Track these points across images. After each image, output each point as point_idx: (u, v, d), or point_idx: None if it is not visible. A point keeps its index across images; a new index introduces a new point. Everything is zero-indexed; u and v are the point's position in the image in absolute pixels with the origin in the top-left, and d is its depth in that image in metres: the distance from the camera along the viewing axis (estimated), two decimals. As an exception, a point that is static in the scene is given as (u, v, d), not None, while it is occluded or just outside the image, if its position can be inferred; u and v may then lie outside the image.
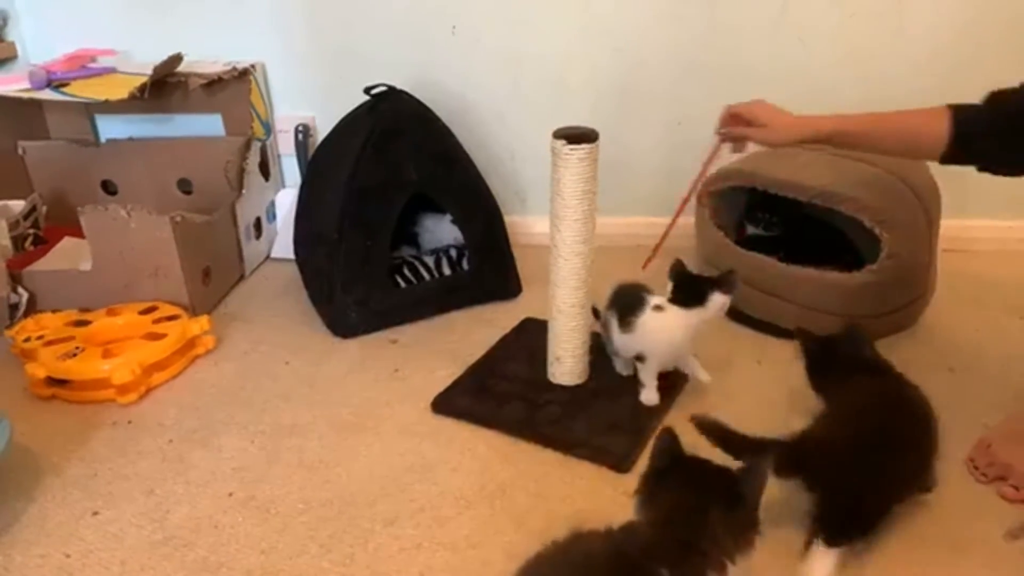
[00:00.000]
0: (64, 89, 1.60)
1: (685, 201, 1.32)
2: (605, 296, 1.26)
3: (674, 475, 0.76)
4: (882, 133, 1.13)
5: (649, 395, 1.21)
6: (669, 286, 1.17)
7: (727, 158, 1.30)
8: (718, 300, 1.14)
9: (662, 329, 1.16)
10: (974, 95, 1.63)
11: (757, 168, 1.45)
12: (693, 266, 1.24)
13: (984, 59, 1.63)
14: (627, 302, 1.20)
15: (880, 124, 1.12)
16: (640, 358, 1.21)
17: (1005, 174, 1.07)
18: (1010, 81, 1.66)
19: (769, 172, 1.43)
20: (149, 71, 1.60)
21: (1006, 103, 1.04)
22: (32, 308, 1.50)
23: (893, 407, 1.00)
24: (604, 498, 1.03)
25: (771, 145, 1.20)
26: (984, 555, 0.92)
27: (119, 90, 1.55)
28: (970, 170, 1.06)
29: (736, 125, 1.20)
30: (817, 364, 1.13)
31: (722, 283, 1.15)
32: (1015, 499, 1.00)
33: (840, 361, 1.10)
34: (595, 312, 1.28)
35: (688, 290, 1.15)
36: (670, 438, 0.77)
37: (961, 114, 1.05)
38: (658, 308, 1.16)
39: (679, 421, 1.18)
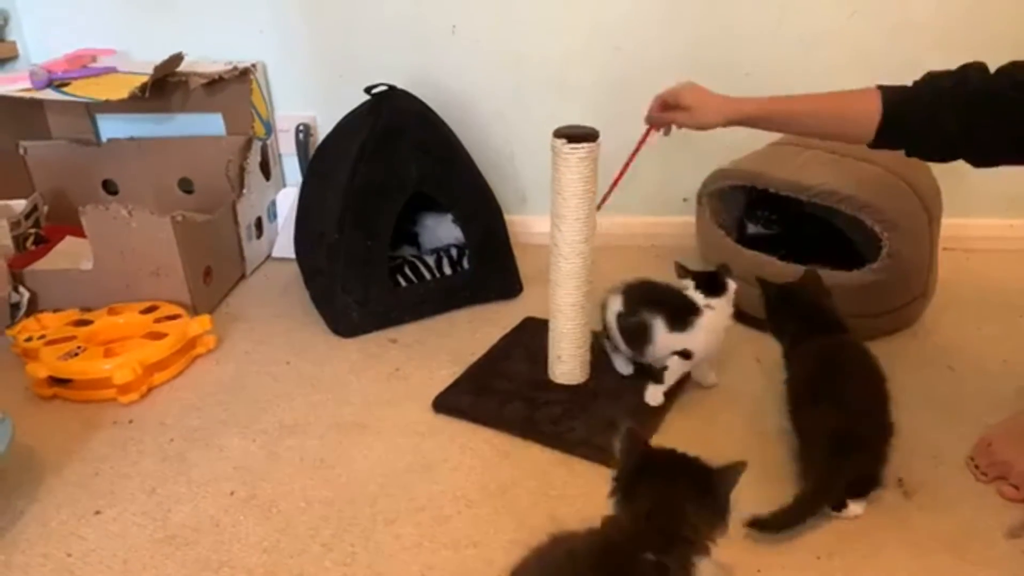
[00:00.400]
0: (65, 89, 1.60)
1: (615, 181, 1.30)
2: (609, 297, 1.25)
3: (647, 470, 0.77)
4: (810, 115, 1.12)
5: (658, 395, 1.21)
6: (689, 283, 1.19)
7: (661, 143, 1.29)
8: (732, 285, 1.19)
9: (718, 323, 1.18)
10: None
11: (757, 167, 1.46)
12: (692, 264, 1.24)
13: (985, 57, 1.63)
14: (674, 302, 1.19)
15: (808, 105, 1.11)
16: (685, 355, 1.19)
17: (936, 159, 1.07)
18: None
19: (770, 171, 1.43)
20: (150, 71, 1.60)
21: (938, 81, 1.02)
22: (33, 307, 1.50)
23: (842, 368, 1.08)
24: (604, 497, 1.03)
25: (698, 128, 1.17)
26: (985, 554, 0.92)
27: (120, 90, 1.55)
28: (970, 169, 1.06)
29: (664, 111, 1.20)
30: (777, 311, 1.20)
31: (725, 271, 1.20)
32: (1015, 498, 1.00)
33: (798, 308, 1.17)
34: (623, 321, 1.23)
35: (709, 283, 1.19)
36: (635, 436, 0.79)
37: (891, 94, 1.04)
38: (708, 306, 1.17)
39: (679, 421, 1.19)
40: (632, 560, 0.69)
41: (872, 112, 1.03)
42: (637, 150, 1.28)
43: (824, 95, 1.10)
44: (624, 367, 1.28)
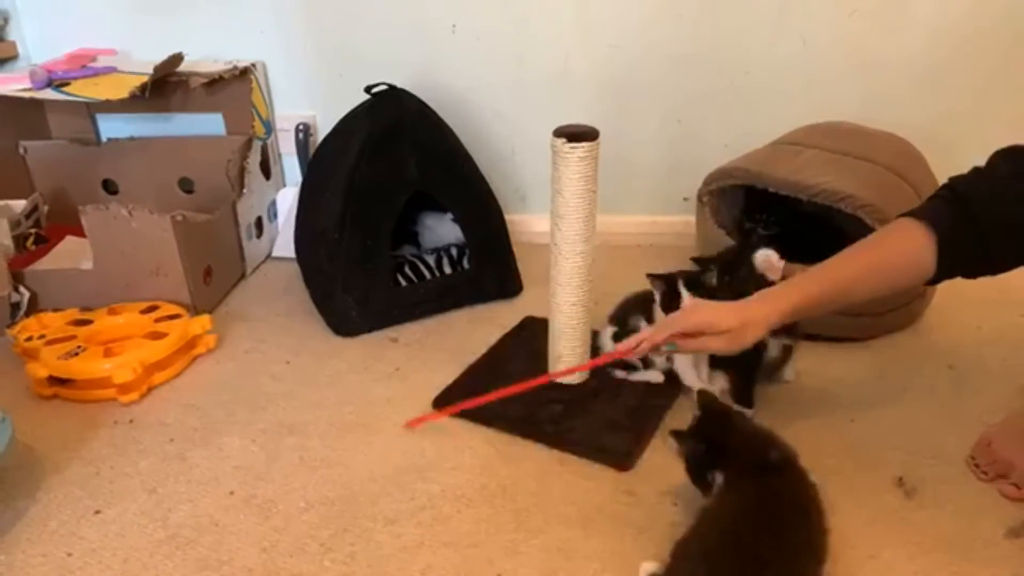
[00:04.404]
0: (65, 88, 1.60)
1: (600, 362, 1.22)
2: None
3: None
4: (861, 281, 0.97)
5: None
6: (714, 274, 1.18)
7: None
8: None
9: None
10: (974, 93, 1.65)
11: (757, 166, 1.45)
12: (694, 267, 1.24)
13: (985, 55, 1.63)
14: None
15: (853, 270, 0.96)
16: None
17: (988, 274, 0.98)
18: (1010, 80, 1.67)
19: (770, 170, 1.42)
20: (150, 70, 1.60)
21: (981, 213, 0.92)
22: (33, 307, 1.50)
23: None
24: (605, 497, 1.03)
25: (743, 348, 0.98)
26: (986, 553, 0.92)
27: (120, 89, 1.55)
28: (972, 167, 1.04)
29: (687, 340, 1.01)
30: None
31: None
32: (1016, 497, 1.00)
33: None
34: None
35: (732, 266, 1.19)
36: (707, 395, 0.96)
37: (935, 222, 0.93)
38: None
39: (678, 421, 1.19)
40: None
41: (922, 249, 0.93)
42: (615, 358, 1.16)
43: (863, 250, 0.97)
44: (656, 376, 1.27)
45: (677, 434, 0.95)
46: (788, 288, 0.98)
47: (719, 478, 0.89)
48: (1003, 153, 0.97)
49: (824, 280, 0.97)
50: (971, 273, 0.98)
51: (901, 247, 0.96)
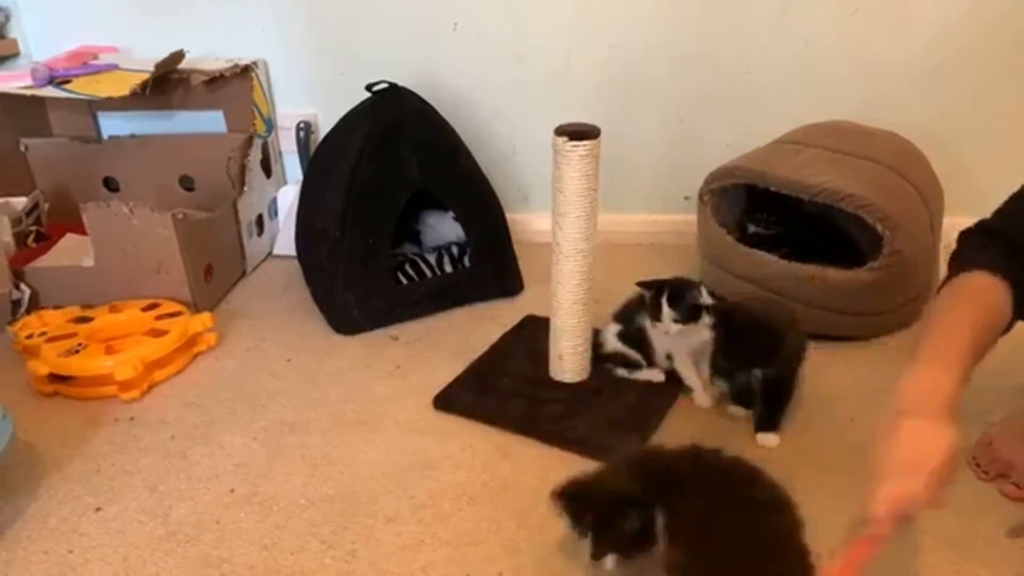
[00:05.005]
0: (66, 86, 1.60)
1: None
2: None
3: None
4: (980, 343, 0.90)
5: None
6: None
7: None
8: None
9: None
10: (975, 93, 1.65)
11: (759, 165, 1.45)
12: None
13: (986, 56, 1.63)
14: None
15: (972, 335, 0.89)
16: None
17: None
18: (1011, 80, 1.67)
19: (771, 169, 1.42)
20: (151, 68, 1.60)
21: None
22: (35, 305, 1.51)
23: None
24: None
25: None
26: (986, 553, 0.92)
27: (121, 87, 1.55)
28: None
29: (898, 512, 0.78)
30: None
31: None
32: (1017, 497, 1.00)
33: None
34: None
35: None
36: None
37: (1005, 271, 0.91)
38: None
39: (680, 422, 1.19)
40: None
41: (1003, 301, 0.91)
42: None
43: (967, 313, 0.90)
44: (657, 375, 1.27)
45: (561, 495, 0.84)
46: (944, 378, 0.83)
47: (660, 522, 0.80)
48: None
49: (963, 354, 0.86)
50: None
51: (988, 302, 0.91)
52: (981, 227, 1.00)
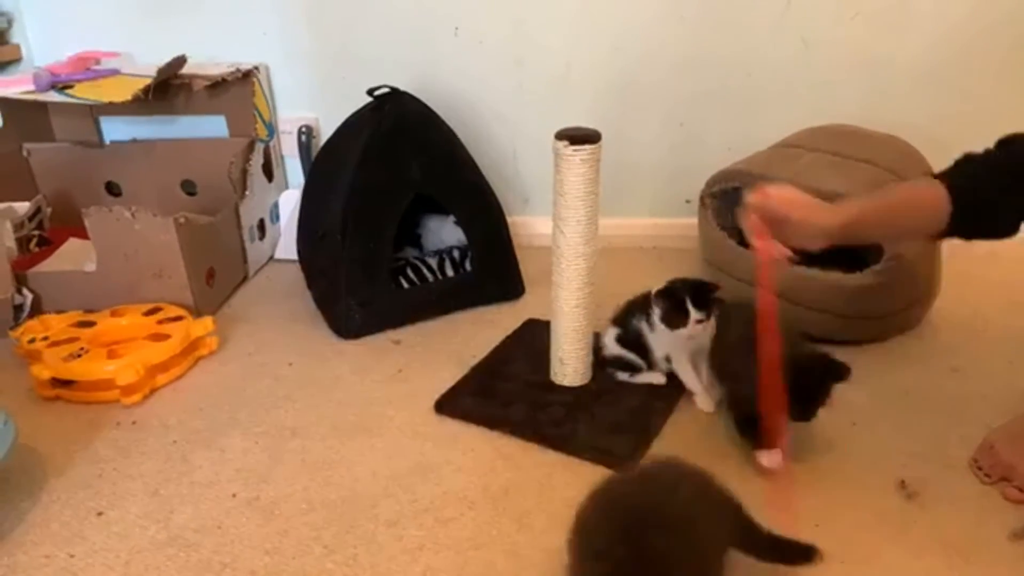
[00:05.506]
0: (68, 91, 1.60)
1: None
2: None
3: None
4: (897, 208, 1.02)
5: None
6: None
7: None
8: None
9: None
10: (975, 95, 1.65)
11: (760, 169, 1.45)
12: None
13: (986, 58, 1.63)
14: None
15: (890, 200, 1.03)
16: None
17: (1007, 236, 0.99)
18: (1011, 82, 1.67)
19: (772, 173, 1.42)
20: (153, 73, 1.60)
21: (1010, 159, 0.97)
22: (37, 309, 1.51)
23: None
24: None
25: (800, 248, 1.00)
26: (988, 556, 0.92)
27: (123, 92, 1.55)
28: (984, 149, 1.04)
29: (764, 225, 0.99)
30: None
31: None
32: (1019, 500, 1.00)
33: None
34: None
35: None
36: None
37: (956, 181, 0.97)
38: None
39: (681, 423, 1.19)
40: None
41: (940, 200, 0.96)
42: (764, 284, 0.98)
43: (893, 190, 1.04)
44: (658, 378, 1.27)
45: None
46: (847, 203, 1.00)
47: None
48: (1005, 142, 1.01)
49: (878, 206, 1.02)
50: (991, 229, 0.99)
51: (923, 192, 1.00)
52: (968, 157, 1.02)
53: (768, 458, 1.03)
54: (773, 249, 0.98)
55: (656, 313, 1.19)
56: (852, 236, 1.01)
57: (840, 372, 1.03)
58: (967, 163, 1.00)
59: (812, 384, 1.02)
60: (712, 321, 1.16)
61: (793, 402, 0.97)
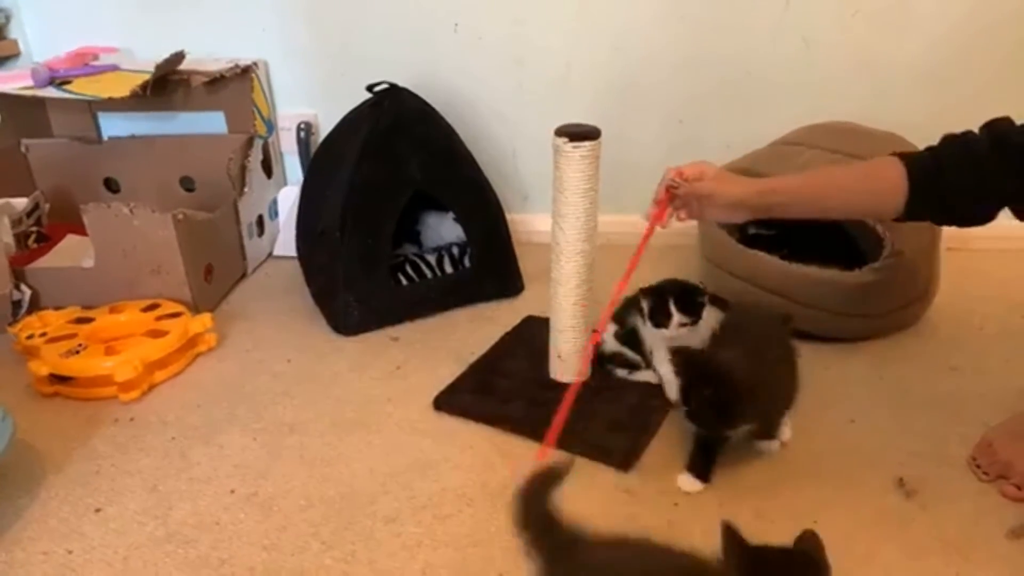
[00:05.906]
0: (67, 87, 1.60)
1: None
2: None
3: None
4: (838, 189, 1.03)
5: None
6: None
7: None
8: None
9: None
10: (975, 94, 1.64)
11: (759, 166, 1.45)
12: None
13: (987, 56, 1.63)
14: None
15: (832, 180, 1.04)
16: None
17: (973, 223, 0.99)
18: (1012, 81, 1.67)
19: (772, 170, 1.42)
20: (151, 69, 1.60)
21: (970, 145, 0.97)
22: (35, 305, 1.51)
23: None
24: (606, 496, 1.03)
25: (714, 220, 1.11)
26: (986, 554, 0.92)
27: (121, 88, 1.55)
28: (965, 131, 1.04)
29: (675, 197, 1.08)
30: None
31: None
32: (1017, 498, 1.00)
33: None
34: None
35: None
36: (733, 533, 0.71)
37: (915, 163, 0.97)
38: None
39: (679, 420, 1.18)
40: None
41: (897, 181, 0.96)
42: (643, 243, 1.09)
43: (844, 169, 1.04)
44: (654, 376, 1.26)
45: None
46: (771, 178, 1.05)
47: None
48: (988, 125, 1.00)
49: (805, 180, 1.06)
50: (948, 213, 1.00)
51: (878, 172, 1.00)
52: (944, 141, 1.02)
53: (688, 483, 1.03)
54: (664, 217, 1.09)
55: (644, 309, 1.19)
56: (774, 208, 1.03)
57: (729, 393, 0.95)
58: (943, 145, 1.00)
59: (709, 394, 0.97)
60: (709, 323, 1.15)
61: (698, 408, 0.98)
